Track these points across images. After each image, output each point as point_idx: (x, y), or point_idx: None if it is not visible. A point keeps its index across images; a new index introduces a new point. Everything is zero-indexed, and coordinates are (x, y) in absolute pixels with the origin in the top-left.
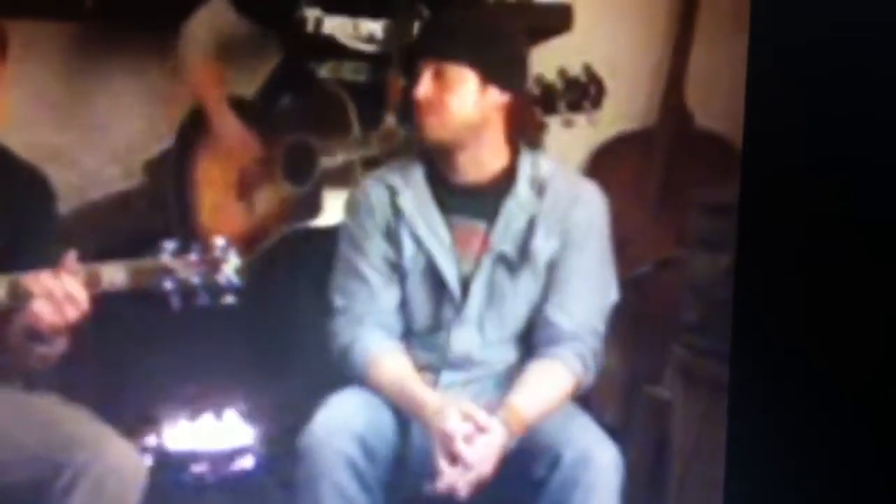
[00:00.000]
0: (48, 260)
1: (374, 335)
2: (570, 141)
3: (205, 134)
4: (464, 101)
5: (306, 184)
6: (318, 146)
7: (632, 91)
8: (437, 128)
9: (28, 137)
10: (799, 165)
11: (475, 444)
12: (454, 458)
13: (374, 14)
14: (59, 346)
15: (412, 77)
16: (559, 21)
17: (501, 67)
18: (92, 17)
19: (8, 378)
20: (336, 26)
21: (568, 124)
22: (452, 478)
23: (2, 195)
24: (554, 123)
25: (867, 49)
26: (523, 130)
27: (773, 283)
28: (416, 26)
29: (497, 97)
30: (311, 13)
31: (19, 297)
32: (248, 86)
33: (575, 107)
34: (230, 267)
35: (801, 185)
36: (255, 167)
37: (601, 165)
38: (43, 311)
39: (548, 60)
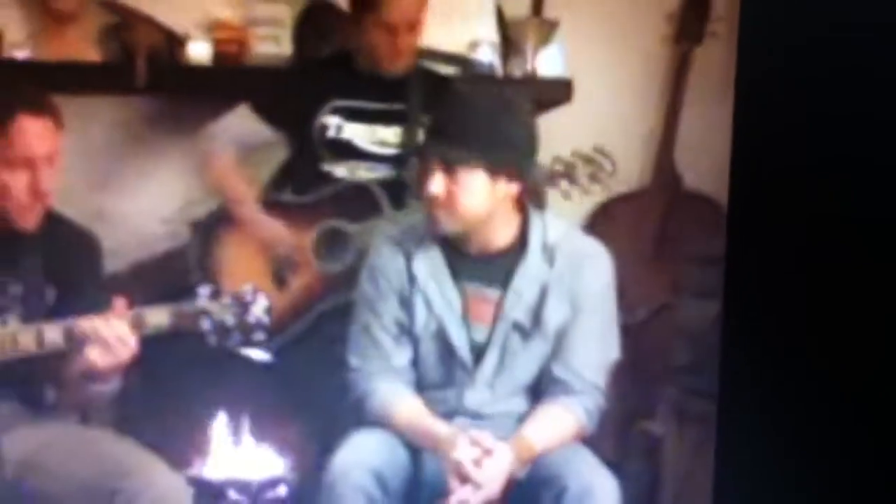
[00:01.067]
0: (98, 309)
1: (386, 386)
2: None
3: (233, 226)
4: (474, 196)
5: (341, 263)
6: (350, 229)
7: (627, 156)
8: (450, 222)
9: (80, 201)
10: (781, 222)
11: (483, 467)
12: (465, 479)
13: (386, 122)
14: (111, 384)
15: (425, 174)
16: (560, 93)
17: (510, 162)
18: (142, 90)
19: (65, 413)
20: (354, 132)
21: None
22: (464, 496)
23: (56, 253)
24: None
25: (845, 113)
26: (531, 197)
27: (757, 329)
28: (421, 133)
29: (507, 187)
30: (332, 121)
31: (74, 341)
32: (272, 184)
33: (594, 179)
34: (259, 308)
35: (783, 240)
36: (287, 255)
37: (600, 223)
38: (96, 352)
39: (550, 130)
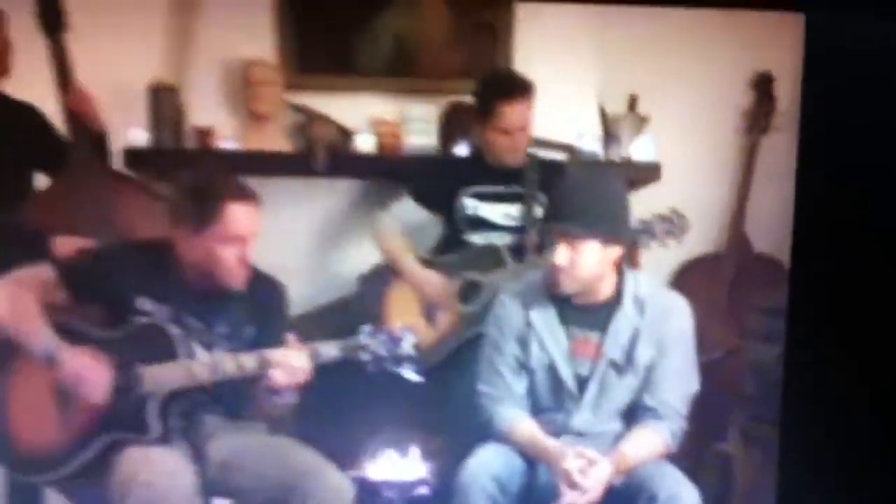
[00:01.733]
0: (281, 342)
1: (508, 411)
2: (661, 260)
3: (396, 279)
4: (590, 263)
5: (476, 305)
6: (483, 280)
7: (706, 224)
8: (570, 284)
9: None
10: (835, 280)
11: (588, 475)
12: (572, 485)
13: (510, 201)
14: (291, 400)
15: (546, 242)
16: (651, 175)
17: (617, 233)
18: (321, 174)
19: (256, 424)
20: (486, 211)
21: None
22: (571, 500)
23: (254, 301)
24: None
25: (889, 192)
26: (627, 259)
27: (813, 367)
28: (538, 209)
29: (613, 252)
30: (470, 203)
31: (264, 366)
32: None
33: (670, 233)
34: (407, 343)
35: (838, 294)
36: (436, 299)
37: (684, 279)
38: (280, 376)
39: (643, 203)
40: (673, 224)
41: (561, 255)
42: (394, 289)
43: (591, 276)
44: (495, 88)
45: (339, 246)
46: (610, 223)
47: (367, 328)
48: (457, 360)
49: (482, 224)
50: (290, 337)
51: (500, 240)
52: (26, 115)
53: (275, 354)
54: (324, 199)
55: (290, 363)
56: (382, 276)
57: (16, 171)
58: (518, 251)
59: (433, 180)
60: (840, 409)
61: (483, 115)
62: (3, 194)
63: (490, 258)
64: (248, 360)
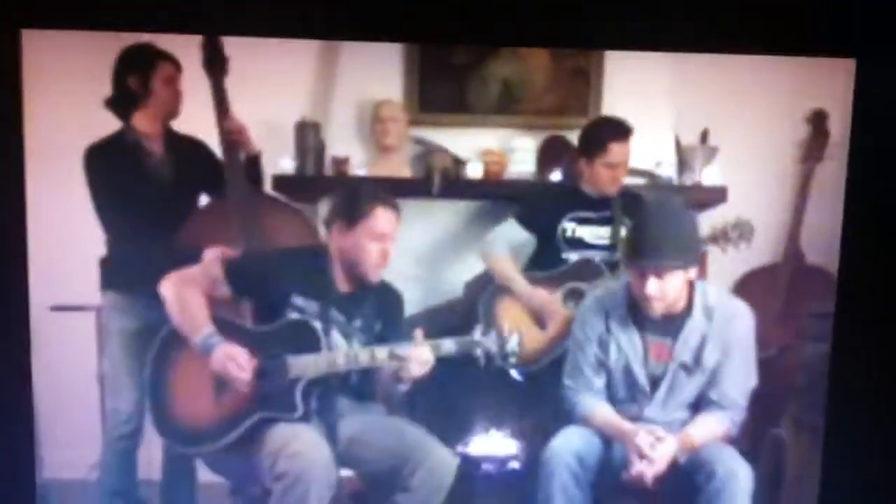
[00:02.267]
0: (404, 338)
1: (589, 400)
2: (726, 271)
3: (504, 294)
4: (677, 288)
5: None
6: (585, 287)
7: (766, 240)
8: (659, 307)
9: (394, 267)
10: (880, 288)
11: (656, 448)
12: (642, 456)
13: (601, 224)
14: (407, 387)
15: (638, 271)
16: (719, 196)
17: (695, 260)
18: (437, 197)
19: (377, 406)
20: (583, 232)
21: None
22: (641, 468)
23: (382, 300)
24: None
25: None
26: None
27: (857, 363)
28: (623, 231)
29: (691, 273)
30: (569, 226)
31: (394, 359)
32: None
33: (741, 237)
34: (513, 342)
35: (881, 300)
36: (541, 308)
37: (746, 286)
38: (411, 368)
39: (711, 221)
40: (742, 229)
41: (652, 286)
42: (504, 303)
43: (675, 300)
44: (608, 129)
45: (448, 258)
46: (691, 253)
47: (479, 328)
48: (561, 362)
49: (578, 243)
50: (418, 333)
51: (594, 256)
52: (195, 148)
53: (404, 349)
54: (437, 217)
55: (418, 357)
56: (485, 285)
57: (185, 194)
58: (609, 265)
59: (538, 206)
60: (880, 399)
61: (593, 152)
62: (174, 213)
63: (589, 269)
64: (381, 353)
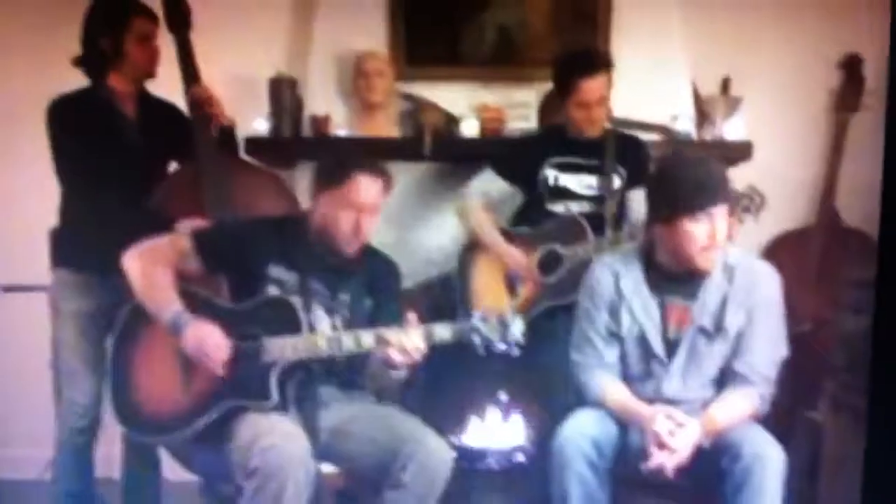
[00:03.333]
0: (397, 317)
1: (600, 377)
2: (752, 235)
3: (481, 252)
4: (725, 235)
5: (556, 276)
6: (564, 252)
7: (796, 200)
8: (708, 259)
9: (385, 235)
10: None
11: (676, 436)
12: (662, 447)
13: (589, 172)
14: (402, 375)
15: (690, 217)
16: (743, 153)
17: (734, 202)
18: (428, 157)
19: (365, 394)
20: (567, 180)
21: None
22: (660, 460)
23: (373, 275)
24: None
25: None
26: None
27: None
28: (616, 180)
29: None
30: (551, 173)
31: (381, 344)
32: (511, 221)
33: (746, 210)
34: (517, 329)
35: None
36: (519, 269)
37: (776, 252)
38: (397, 354)
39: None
40: (751, 201)
41: (701, 232)
42: (479, 261)
43: (722, 249)
44: (571, 65)
45: (440, 224)
46: (730, 195)
47: (478, 313)
48: (540, 329)
49: (563, 193)
50: (411, 317)
51: (580, 208)
52: (170, 112)
53: (392, 334)
54: (429, 181)
55: (407, 344)
56: (472, 251)
57: (155, 159)
58: (596, 220)
59: (516, 153)
60: None
61: (563, 92)
62: (142, 180)
63: (571, 231)
64: (367, 338)
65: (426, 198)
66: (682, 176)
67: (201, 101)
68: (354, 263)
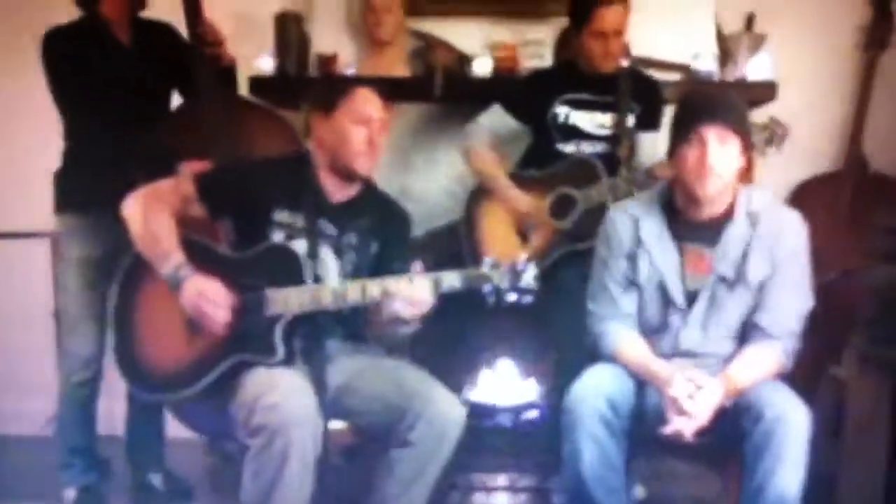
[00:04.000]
0: (406, 269)
1: (617, 329)
2: (778, 179)
3: (489, 197)
4: (735, 162)
5: (569, 221)
6: (577, 194)
7: (822, 143)
8: (716, 184)
9: (391, 181)
10: None
11: (696, 400)
12: (681, 412)
13: (602, 110)
14: (412, 327)
15: (697, 136)
16: (767, 94)
17: (749, 133)
18: (438, 99)
19: (374, 347)
20: (578, 118)
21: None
22: (679, 425)
23: (381, 219)
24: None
25: None
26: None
27: None
28: (630, 119)
29: (743, 158)
30: (562, 110)
31: (388, 295)
32: (520, 163)
33: (768, 142)
34: (529, 275)
35: None
36: (529, 217)
37: (801, 198)
38: (403, 305)
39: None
40: (773, 133)
41: (714, 154)
42: (488, 207)
43: (730, 181)
44: None
45: (449, 167)
46: (746, 125)
47: (489, 260)
48: (554, 282)
49: (574, 132)
50: (417, 266)
51: (592, 148)
52: (163, 32)
53: (399, 284)
54: (439, 123)
55: (413, 295)
56: (479, 196)
57: (155, 89)
58: (610, 163)
59: (525, 88)
60: None
61: (579, 20)
62: (144, 113)
63: (583, 172)
64: (373, 288)
65: (435, 139)
66: (682, 101)
67: (206, 41)
68: (363, 200)
